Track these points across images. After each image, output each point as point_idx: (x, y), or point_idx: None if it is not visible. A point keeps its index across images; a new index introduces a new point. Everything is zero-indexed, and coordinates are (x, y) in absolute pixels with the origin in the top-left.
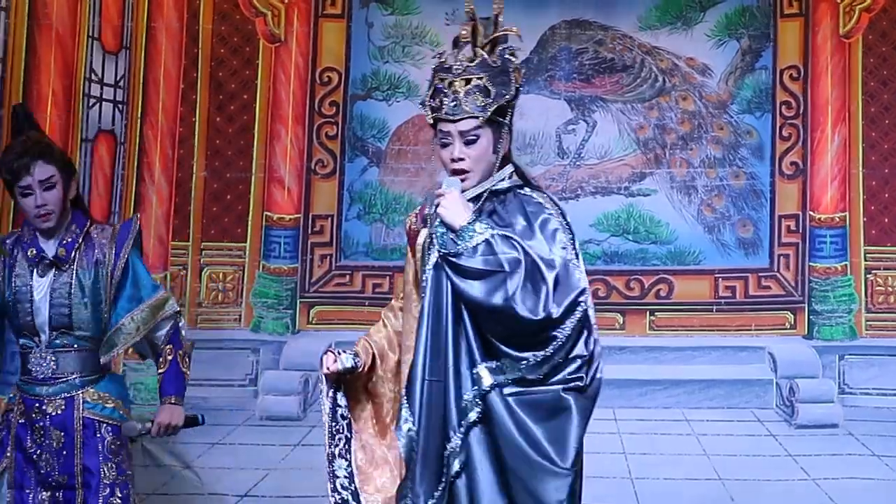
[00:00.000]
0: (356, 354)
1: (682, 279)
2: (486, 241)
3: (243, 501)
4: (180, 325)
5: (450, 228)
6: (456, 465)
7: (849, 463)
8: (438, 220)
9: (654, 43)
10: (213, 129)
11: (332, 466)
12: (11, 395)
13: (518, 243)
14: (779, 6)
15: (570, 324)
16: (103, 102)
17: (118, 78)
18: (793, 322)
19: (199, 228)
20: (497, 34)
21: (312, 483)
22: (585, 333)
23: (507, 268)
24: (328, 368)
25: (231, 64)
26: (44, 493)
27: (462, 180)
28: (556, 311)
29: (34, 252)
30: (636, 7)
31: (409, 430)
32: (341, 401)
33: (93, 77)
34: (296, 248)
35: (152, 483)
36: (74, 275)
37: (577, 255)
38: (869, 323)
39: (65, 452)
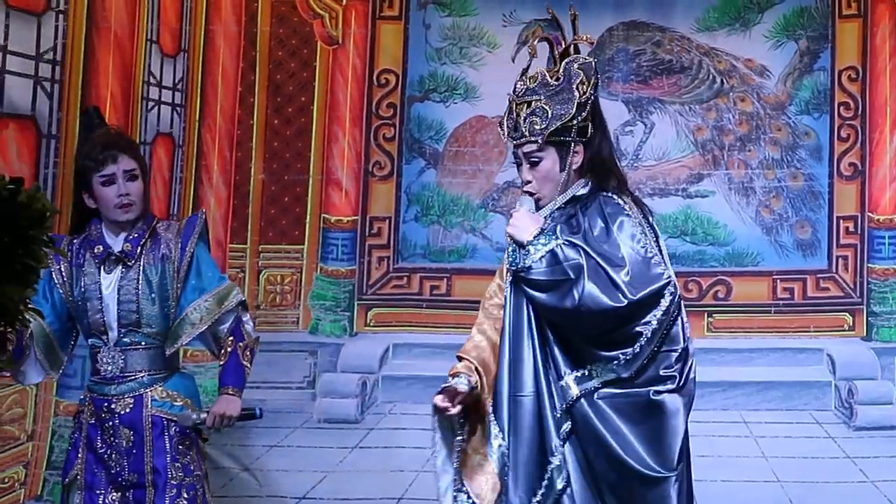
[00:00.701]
0: (457, 375)
1: (740, 281)
2: (552, 252)
3: None
4: (244, 318)
5: (519, 245)
6: (559, 483)
7: None
8: (510, 239)
9: (711, 44)
10: (270, 131)
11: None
12: (81, 397)
13: (581, 248)
14: (837, 7)
15: (653, 318)
16: (161, 105)
17: (176, 81)
18: (851, 324)
19: (256, 231)
20: (565, 47)
21: (370, 485)
22: (678, 326)
23: (571, 275)
24: (449, 408)
25: (289, 66)
26: (114, 493)
27: (536, 200)
28: (633, 299)
29: (101, 249)
30: (694, 8)
31: (500, 445)
32: (464, 434)
33: (151, 80)
34: (353, 251)
35: (211, 485)
36: (141, 271)
37: (660, 252)
38: None
39: (134, 451)
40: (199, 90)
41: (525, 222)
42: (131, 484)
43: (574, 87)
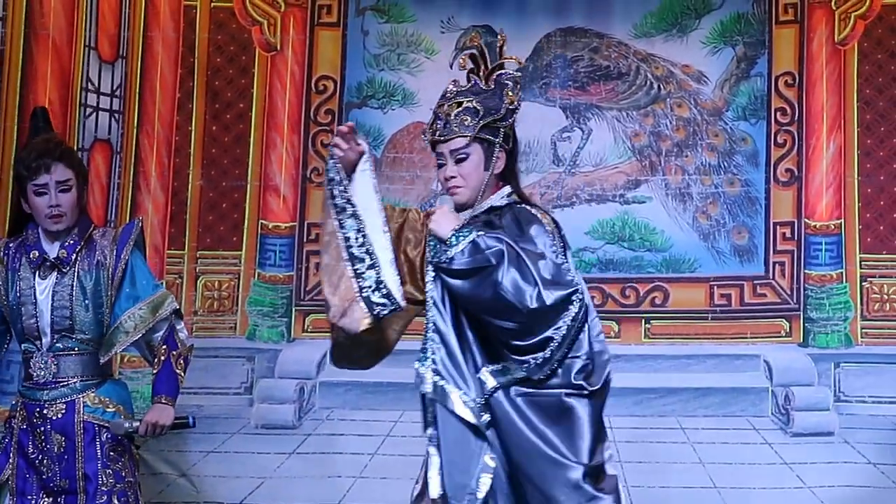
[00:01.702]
0: None
1: (678, 287)
2: (473, 242)
3: None
4: (177, 326)
5: (440, 240)
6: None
7: (844, 471)
8: (431, 235)
9: (649, 50)
10: (209, 137)
11: None
12: (13, 403)
13: (503, 238)
14: (774, 13)
15: (563, 323)
16: (100, 112)
17: (115, 87)
18: (788, 330)
19: (194, 237)
20: (497, 63)
21: (307, 491)
22: (584, 333)
23: (493, 261)
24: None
25: (227, 73)
26: (46, 498)
27: (453, 195)
28: (549, 300)
29: (36, 254)
30: (631, 14)
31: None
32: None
33: (89, 86)
34: (291, 257)
35: (148, 491)
36: (76, 277)
37: (567, 260)
38: (864, 331)
39: (66, 457)
40: (137, 96)
41: (446, 218)
42: (63, 490)
43: (504, 93)
